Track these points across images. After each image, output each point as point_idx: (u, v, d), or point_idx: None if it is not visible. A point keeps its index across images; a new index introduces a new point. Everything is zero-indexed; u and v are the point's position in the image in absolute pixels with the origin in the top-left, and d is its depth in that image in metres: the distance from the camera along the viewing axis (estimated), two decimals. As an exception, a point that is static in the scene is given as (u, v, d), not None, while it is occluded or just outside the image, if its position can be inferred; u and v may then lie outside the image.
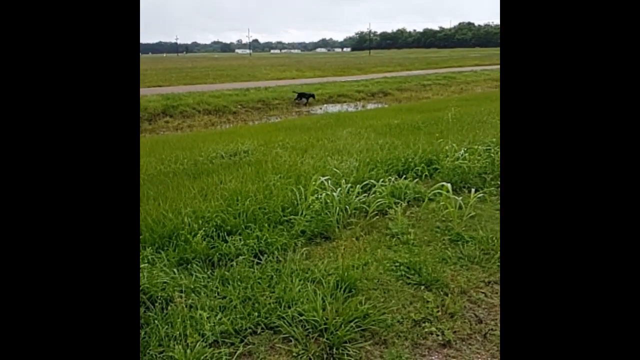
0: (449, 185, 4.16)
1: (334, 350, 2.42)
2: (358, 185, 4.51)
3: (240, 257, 3.37)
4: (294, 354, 2.41)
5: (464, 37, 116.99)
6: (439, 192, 4.58)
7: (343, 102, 19.57)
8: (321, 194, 4.16)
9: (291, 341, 2.50)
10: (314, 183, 4.27)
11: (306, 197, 4.18)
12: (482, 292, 3.04)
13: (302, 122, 11.52)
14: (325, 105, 18.86)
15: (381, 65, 38.77)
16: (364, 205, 4.33)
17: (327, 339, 2.49)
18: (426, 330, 2.65)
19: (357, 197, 4.37)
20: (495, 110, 10.85)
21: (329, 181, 4.44)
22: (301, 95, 16.06)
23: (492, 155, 5.55)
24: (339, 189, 4.27)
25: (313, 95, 16.64)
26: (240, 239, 3.65)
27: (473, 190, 4.30)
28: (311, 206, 4.05)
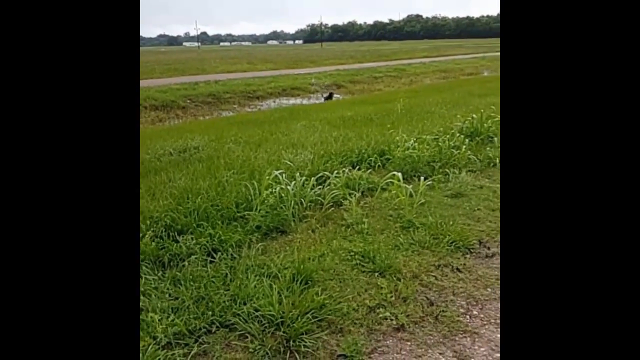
0: (399, 174, 4.27)
1: (291, 342, 2.44)
2: (313, 178, 4.54)
3: (193, 257, 3.31)
4: (251, 350, 2.40)
5: (412, 29, 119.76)
6: (391, 182, 4.71)
7: (297, 96, 19.51)
8: (275, 188, 4.14)
9: (247, 337, 2.49)
10: (267, 177, 4.24)
11: (260, 192, 4.15)
12: (433, 276, 3.16)
13: (256, 117, 11.40)
14: (278, 99, 18.73)
15: (333, 58, 38.93)
16: (319, 198, 4.37)
17: (283, 332, 2.50)
18: (380, 315, 2.72)
19: (312, 189, 4.39)
20: (443, 100, 11.23)
21: (284, 175, 4.43)
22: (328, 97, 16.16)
23: (439, 144, 5.75)
24: (293, 183, 4.28)
25: (330, 96, 16.64)
26: (192, 238, 3.57)
27: (422, 178, 4.44)
28: (266, 201, 4.03)
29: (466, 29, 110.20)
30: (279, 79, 22.41)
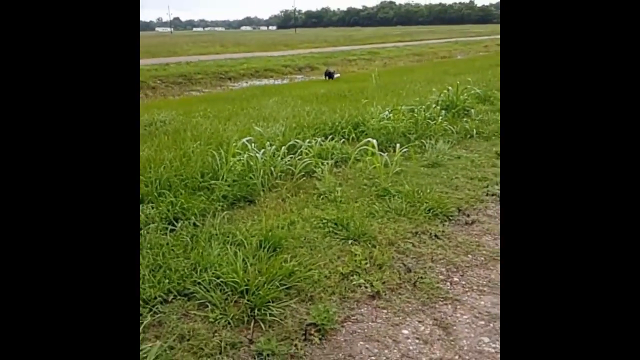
0: (374, 141, 4.06)
1: (256, 311, 2.20)
2: (283, 147, 4.27)
3: (152, 225, 3.01)
4: (211, 319, 2.15)
5: (386, 15, 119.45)
6: (365, 152, 4.51)
7: (270, 77, 19.04)
8: (243, 155, 3.87)
9: (207, 307, 2.24)
10: (235, 144, 3.96)
11: (227, 160, 3.87)
12: (410, 242, 2.98)
13: (227, 95, 11.02)
14: (251, 80, 18.24)
15: (307, 42, 38.32)
16: (290, 167, 4.12)
17: (248, 300, 2.26)
18: (354, 283, 2.52)
19: (282, 159, 4.13)
20: (418, 78, 11.08)
21: (253, 145, 4.15)
22: (328, 74, 13.65)
23: (415, 115, 5.58)
24: (262, 151, 4.01)
25: (333, 73, 13.69)
26: (152, 207, 3.28)
27: (398, 145, 4.25)
28: (233, 169, 3.75)
29: (439, 15, 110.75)
30: (251, 60, 21.84)
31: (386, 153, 4.22)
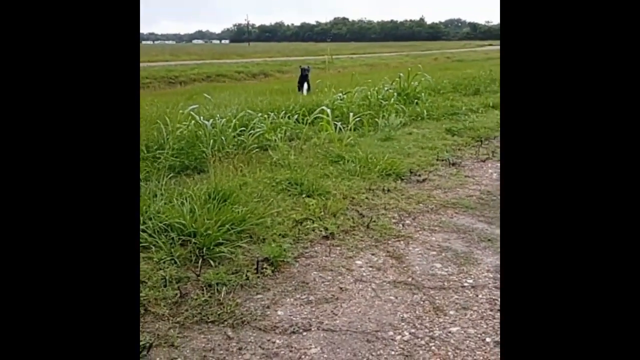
0: (328, 110, 4.06)
1: (205, 250, 2.10)
2: (234, 120, 4.18)
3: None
4: (155, 259, 2.02)
5: (339, 31, 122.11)
6: (318, 131, 4.51)
7: (223, 82, 18.80)
8: (191, 122, 3.74)
9: (152, 249, 2.10)
10: (181, 112, 3.83)
11: (173, 128, 3.73)
12: (364, 196, 2.97)
13: (176, 91, 10.76)
14: (202, 83, 17.92)
15: (261, 52, 38.35)
16: (242, 139, 4.03)
17: (196, 242, 2.15)
18: (308, 227, 2.47)
19: (234, 131, 4.04)
20: (371, 79, 11.34)
21: (201, 118, 4.04)
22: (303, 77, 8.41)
23: (368, 98, 5.66)
24: (211, 120, 3.90)
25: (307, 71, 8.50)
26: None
27: (351, 114, 4.28)
28: (180, 135, 3.62)
29: (390, 32, 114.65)
30: (203, 66, 21.51)
31: (339, 131, 4.23)
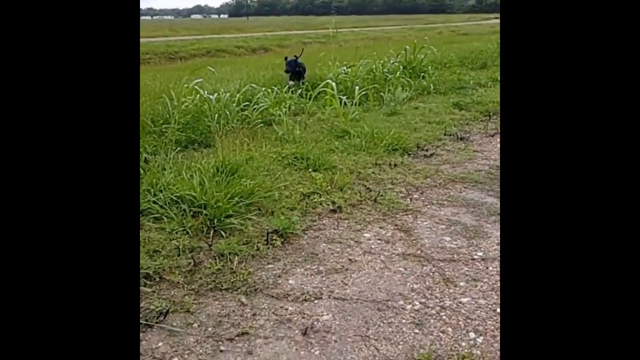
0: (333, 83, 4.02)
1: (215, 222, 2.12)
2: (238, 94, 4.15)
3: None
4: (168, 230, 2.05)
5: (340, 4, 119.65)
6: (322, 106, 4.47)
7: (223, 57, 18.54)
8: (195, 97, 3.72)
9: (164, 220, 2.13)
10: (186, 86, 3.80)
11: (179, 102, 3.70)
12: (371, 170, 2.97)
13: (178, 66, 10.62)
14: (202, 59, 17.68)
15: (261, 27, 37.65)
16: (247, 114, 4.00)
17: (207, 213, 2.17)
18: (315, 200, 2.48)
19: (238, 105, 4.01)
20: (375, 52, 11.16)
21: (205, 92, 4.00)
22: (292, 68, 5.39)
23: (373, 71, 5.59)
24: (215, 94, 3.87)
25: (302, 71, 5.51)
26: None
27: (357, 88, 4.23)
28: (185, 109, 3.60)
29: (393, 5, 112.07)
30: (202, 42, 21.16)
31: (344, 105, 4.20)
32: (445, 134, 3.85)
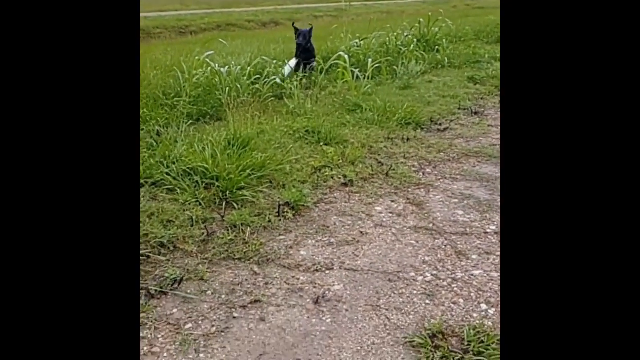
0: (346, 56, 3.95)
1: (228, 194, 2.13)
2: (249, 67, 4.10)
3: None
4: (181, 201, 2.06)
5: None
6: (334, 79, 4.41)
7: (233, 32, 18.31)
8: (206, 69, 3.69)
9: (177, 191, 2.14)
10: (197, 58, 3.77)
11: (190, 74, 3.68)
12: (383, 145, 2.95)
13: (187, 40, 10.53)
14: (213, 33, 17.49)
15: (272, 0, 36.99)
16: (258, 87, 3.97)
17: (219, 185, 2.18)
18: (327, 174, 2.48)
19: (249, 79, 3.97)
20: (389, 25, 10.91)
21: (216, 65, 3.97)
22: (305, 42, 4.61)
23: (387, 44, 5.47)
24: (227, 67, 3.84)
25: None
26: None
27: (370, 60, 4.16)
28: (196, 82, 3.58)
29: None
30: (213, 16, 20.88)
31: (357, 79, 4.13)
32: (459, 108, 3.79)
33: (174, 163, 2.34)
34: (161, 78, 4.02)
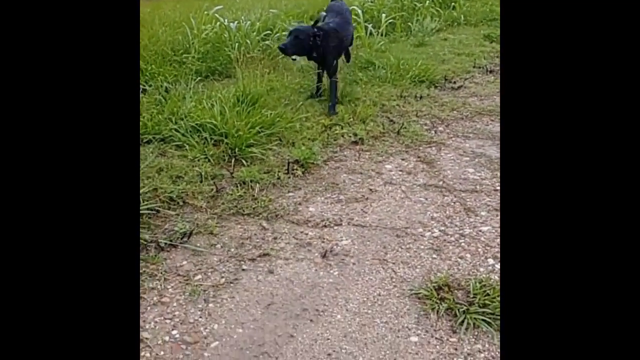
0: (359, 11, 3.82)
1: (237, 151, 2.12)
2: (259, 23, 3.99)
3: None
4: (189, 157, 2.07)
5: None
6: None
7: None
8: (216, 25, 3.60)
9: (185, 148, 2.14)
10: (206, 13, 3.67)
11: (199, 30, 3.60)
12: (395, 102, 2.88)
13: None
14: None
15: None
16: (268, 43, 3.87)
17: (227, 142, 2.17)
18: (337, 132, 2.44)
19: (259, 34, 3.87)
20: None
21: (226, 20, 3.86)
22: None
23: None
24: (236, 22, 3.74)
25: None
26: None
27: (383, 15, 4.01)
28: (205, 37, 3.50)
29: None
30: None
31: (370, 35, 4.00)
32: (474, 67, 3.66)
33: (182, 119, 2.32)
34: (170, 34, 3.94)
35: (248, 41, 3.68)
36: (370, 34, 3.83)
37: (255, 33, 3.83)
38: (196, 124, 2.24)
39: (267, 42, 3.85)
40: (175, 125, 2.27)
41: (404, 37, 4.52)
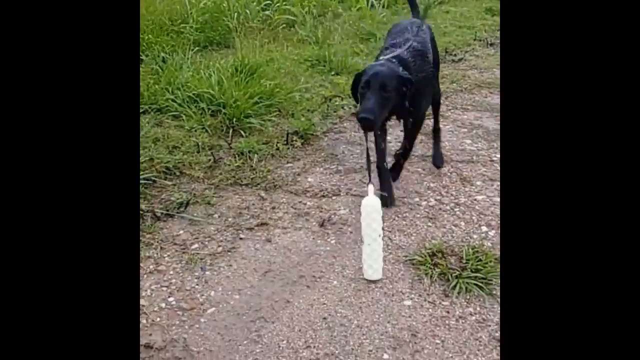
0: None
1: (234, 121, 2.11)
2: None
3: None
4: (186, 127, 2.06)
5: None
6: (349, 6, 4.20)
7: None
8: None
9: (182, 118, 2.13)
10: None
11: (196, 1, 3.53)
12: (395, 74, 2.85)
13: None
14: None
15: None
16: (268, 13, 3.80)
17: (225, 112, 2.16)
18: (337, 104, 2.43)
19: (259, 4, 3.80)
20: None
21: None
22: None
23: (403, -31, 5.12)
24: (235, -9, 3.66)
25: None
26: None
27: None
28: (204, 5, 3.44)
29: None
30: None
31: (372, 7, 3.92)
32: (475, 39, 3.62)
33: (179, 89, 2.30)
34: (167, 3, 3.86)
35: (247, 11, 3.61)
36: (372, 5, 3.75)
37: (254, 3, 3.76)
38: (193, 94, 2.23)
39: (267, 12, 3.78)
40: (172, 95, 2.26)
41: (405, 10, 4.43)
